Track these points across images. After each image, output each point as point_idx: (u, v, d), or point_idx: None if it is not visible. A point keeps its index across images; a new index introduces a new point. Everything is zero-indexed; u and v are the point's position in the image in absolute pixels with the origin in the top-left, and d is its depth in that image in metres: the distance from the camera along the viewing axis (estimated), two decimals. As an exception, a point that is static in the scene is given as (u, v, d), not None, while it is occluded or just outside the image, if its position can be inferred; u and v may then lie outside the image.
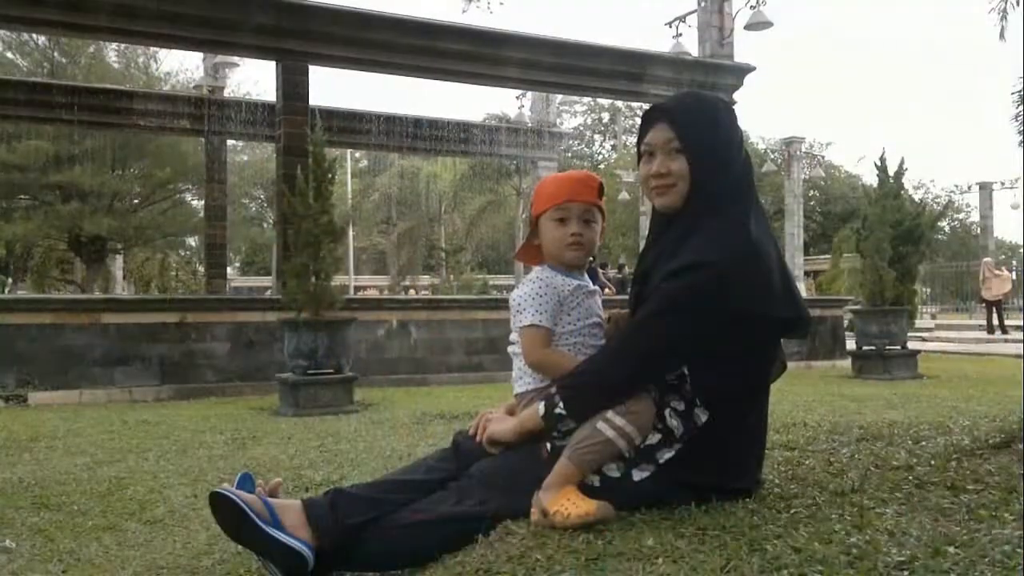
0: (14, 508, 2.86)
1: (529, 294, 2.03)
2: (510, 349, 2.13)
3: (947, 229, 36.55)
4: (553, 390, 1.91)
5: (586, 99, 36.93)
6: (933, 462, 2.35)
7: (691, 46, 12.75)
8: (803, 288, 21.48)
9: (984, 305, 17.83)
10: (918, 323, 14.62)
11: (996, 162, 74.09)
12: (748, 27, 12.33)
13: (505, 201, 30.27)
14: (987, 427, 3.14)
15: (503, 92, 39.09)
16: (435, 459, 2.09)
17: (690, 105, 2.07)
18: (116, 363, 7.91)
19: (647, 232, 2.14)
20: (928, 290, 22.32)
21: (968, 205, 35.26)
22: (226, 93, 15.87)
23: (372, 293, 27.19)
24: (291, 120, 9.34)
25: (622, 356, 1.89)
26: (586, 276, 2.12)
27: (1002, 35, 3.45)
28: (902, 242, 8.98)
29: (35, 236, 20.15)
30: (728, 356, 1.88)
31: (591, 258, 2.25)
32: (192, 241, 28.40)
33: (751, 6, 12.28)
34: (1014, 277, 19.52)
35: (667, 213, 2.00)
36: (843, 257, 22.20)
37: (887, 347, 8.67)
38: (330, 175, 6.96)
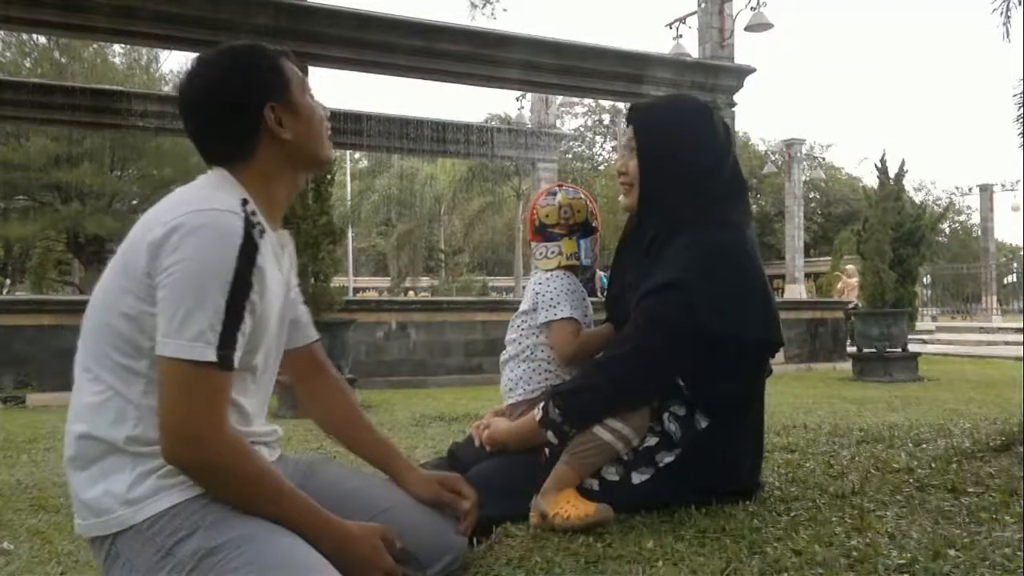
0: (12, 510, 2.84)
1: (562, 289, 2.07)
2: (505, 353, 2.14)
3: (947, 231, 36.55)
4: (550, 395, 1.92)
5: (586, 100, 36.96)
6: (933, 464, 2.35)
7: (691, 47, 12.76)
8: (803, 290, 21.48)
9: None
10: (918, 325, 14.64)
11: (997, 164, 74.13)
12: (748, 28, 12.33)
13: (504, 203, 30.27)
14: (987, 430, 3.14)
15: (503, 93, 39.13)
16: (431, 464, 2.09)
17: (657, 106, 2.10)
18: (115, 364, 7.87)
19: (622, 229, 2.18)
20: (928, 292, 22.33)
21: (969, 207, 35.28)
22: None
23: (372, 295, 27.21)
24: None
25: (612, 367, 1.89)
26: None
27: (1007, 36, 3.44)
28: (903, 244, 9.00)
29: (35, 237, 20.15)
30: (721, 367, 1.87)
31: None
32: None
33: (751, 8, 12.29)
34: (1015, 279, 19.56)
35: (630, 212, 2.05)
36: (843, 259, 22.19)
37: (887, 349, 8.66)
38: (329, 176, 6.96)
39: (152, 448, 1.30)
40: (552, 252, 2.14)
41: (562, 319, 2.04)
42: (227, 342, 1.28)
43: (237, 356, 1.31)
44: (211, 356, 1.26)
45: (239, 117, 1.44)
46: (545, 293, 2.07)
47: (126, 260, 1.34)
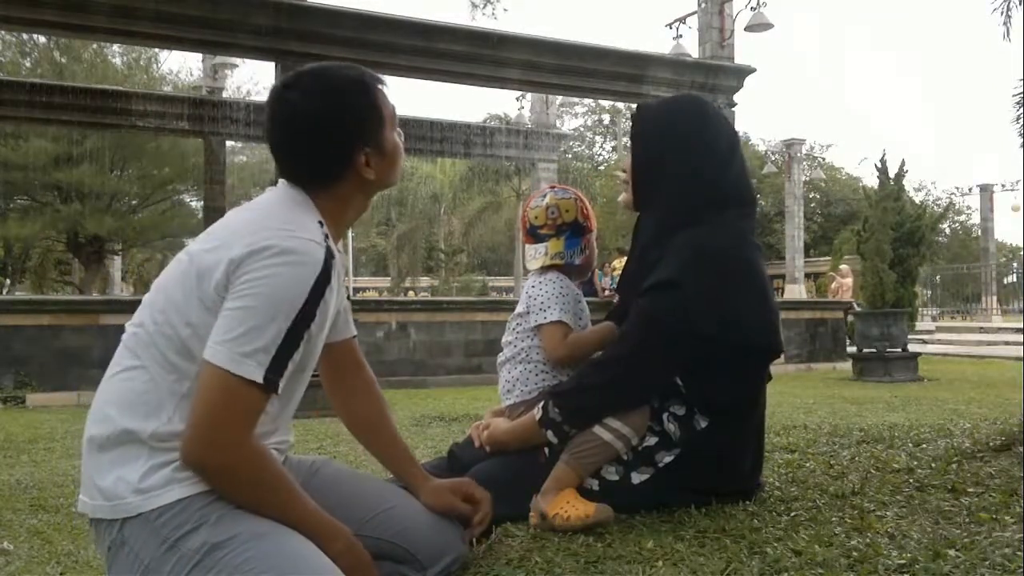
0: (12, 510, 2.85)
1: (553, 293, 2.07)
2: (502, 355, 2.14)
3: (947, 231, 36.52)
4: (549, 395, 1.92)
5: (587, 100, 36.94)
6: (934, 465, 2.35)
7: (691, 47, 12.76)
8: (803, 290, 21.48)
9: None
10: (918, 325, 14.63)
11: (997, 164, 74.17)
12: (749, 28, 12.33)
13: (504, 203, 30.27)
14: (987, 430, 3.14)
15: (503, 93, 39.10)
16: (431, 465, 2.09)
17: (654, 107, 2.10)
18: (115, 364, 7.87)
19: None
20: (928, 292, 22.33)
21: (969, 207, 35.21)
22: (225, 94, 15.87)
23: (372, 295, 27.20)
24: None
25: (610, 367, 1.89)
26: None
27: (1007, 36, 3.45)
28: (903, 244, 9.00)
29: (35, 237, 20.12)
30: (719, 369, 1.87)
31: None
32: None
33: (751, 8, 12.29)
34: (1015, 279, 19.54)
35: (628, 208, 2.06)
36: (843, 259, 22.20)
37: (887, 349, 8.67)
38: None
39: (172, 444, 1.31)
40: (539, 252, 2.15)
41: (551, 322, 2.04)
42: (277, 367, 1.30)
43: (283, 383, 1.32)
44: (258, 377, 1.27)
45: (330, 154, 1.46)
46: (536, 296, 2.09)
47: (202, 267, 1.34)
